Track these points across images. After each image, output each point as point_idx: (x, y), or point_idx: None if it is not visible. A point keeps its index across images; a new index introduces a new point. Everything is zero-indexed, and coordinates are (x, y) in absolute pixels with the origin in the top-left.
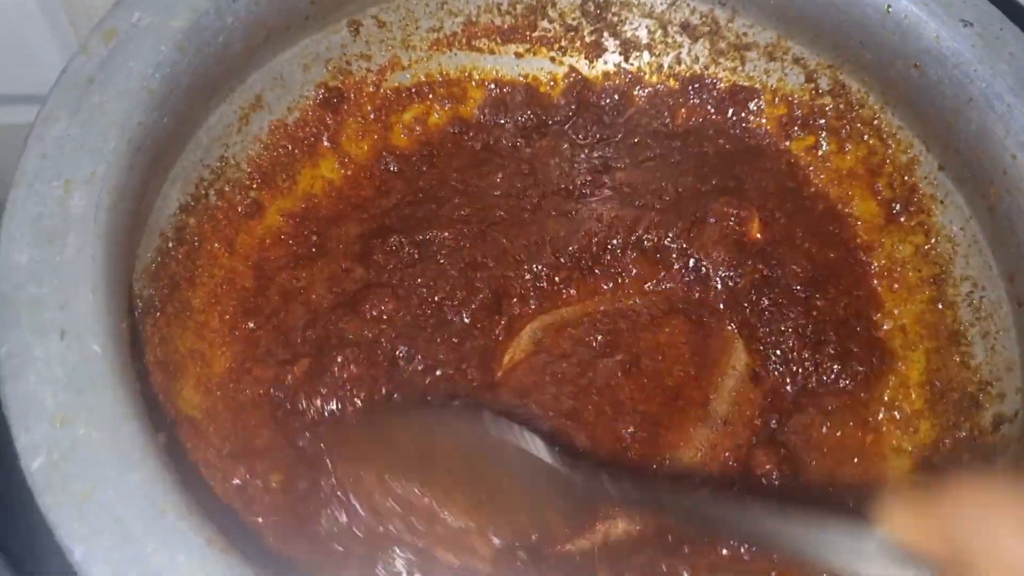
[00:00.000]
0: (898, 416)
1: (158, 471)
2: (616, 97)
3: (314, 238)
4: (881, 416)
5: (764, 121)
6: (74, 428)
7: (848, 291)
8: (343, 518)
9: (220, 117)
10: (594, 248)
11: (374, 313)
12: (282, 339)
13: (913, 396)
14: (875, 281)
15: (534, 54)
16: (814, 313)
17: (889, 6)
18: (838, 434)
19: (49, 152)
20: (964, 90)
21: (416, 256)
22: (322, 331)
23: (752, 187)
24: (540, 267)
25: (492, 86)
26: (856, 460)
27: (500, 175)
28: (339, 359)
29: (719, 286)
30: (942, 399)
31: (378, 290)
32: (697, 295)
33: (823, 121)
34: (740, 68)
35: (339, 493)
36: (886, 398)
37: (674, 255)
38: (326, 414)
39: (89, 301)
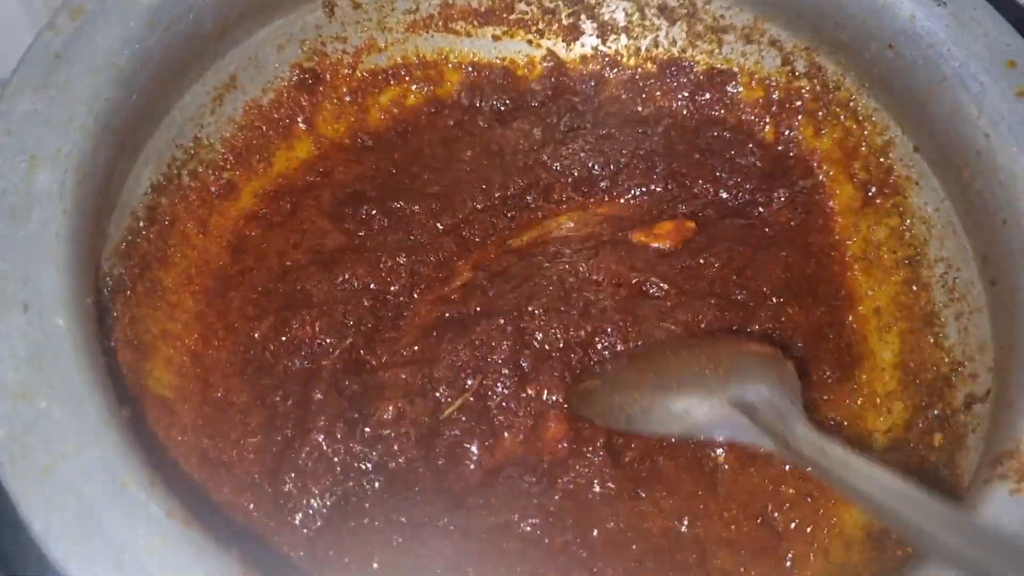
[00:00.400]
0: (874, 399)
1: (120, 446)
2: (592, 83)
3: (288, 206)
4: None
5: (742, 104)
6: (36, 403)
7: (823, 300)
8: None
9: (193, 97)
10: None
11: (345, 275)
12: (252, 298)
13: (887, 378)
14: (850, 270)
15: (511, 36)
16: (783, 319)
17: None
18: None
19: (14, 128)
20: (938, 70)
21: (386, 224)
22: (291, 289)
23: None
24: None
25: (469, 68)
26: None
27: (469, 153)
28: (305, 316)
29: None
30: (915, 380)
31: (350, 255)
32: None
33: (799, 104)
34: (717, 51)
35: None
36: (863, 378)
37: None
38: (295, 368)
39: (53, 277)
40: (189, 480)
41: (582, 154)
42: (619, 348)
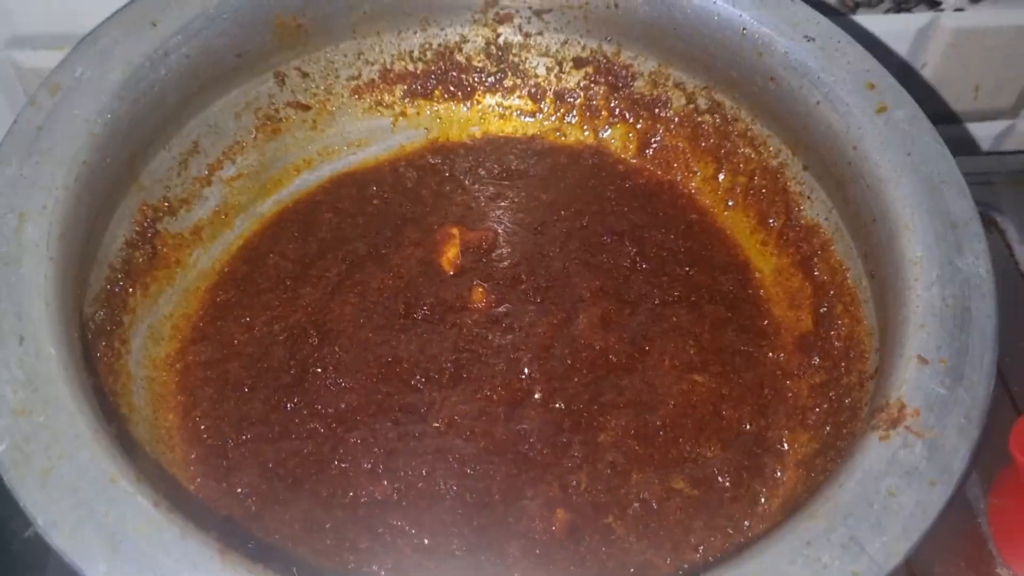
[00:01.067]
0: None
1: (109, 449)
2: (519, 138)
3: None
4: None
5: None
6: (34, 418)
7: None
8: None
9: (161, 161)
10: None
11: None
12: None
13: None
14: (760, 290)
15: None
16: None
17: (744, 29)
18: None
19: (4, 190)
20: (812, 95)
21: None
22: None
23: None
24: None
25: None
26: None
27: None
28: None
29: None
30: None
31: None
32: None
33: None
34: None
35: None
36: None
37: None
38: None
39: (43, 312)
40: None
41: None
42: None
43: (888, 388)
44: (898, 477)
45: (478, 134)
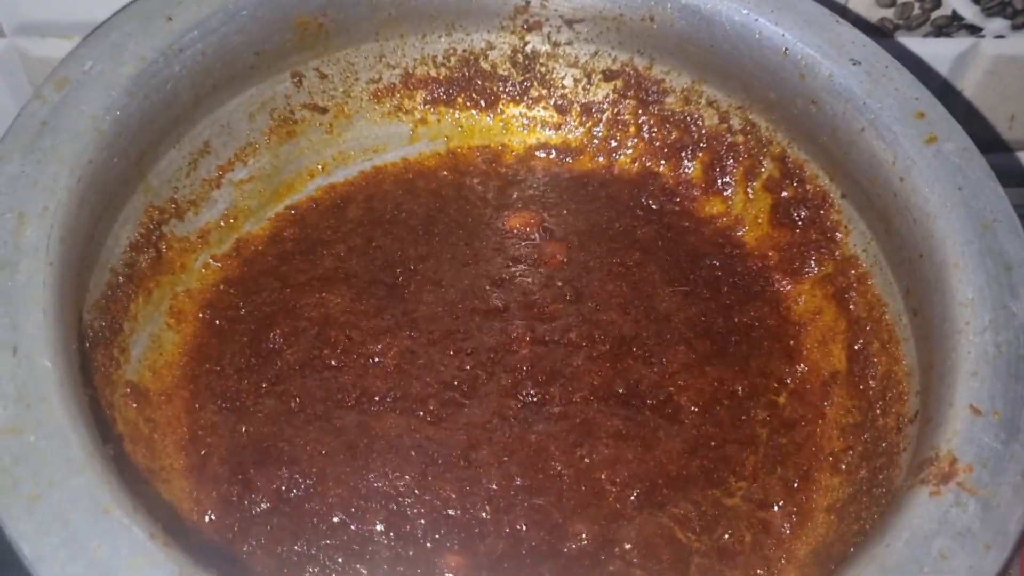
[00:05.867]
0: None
1: (104, 474)
2: (542, 153)
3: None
4: None
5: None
6: (24, 437)
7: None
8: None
9: (170, 162)
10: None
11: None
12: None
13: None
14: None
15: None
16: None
17: (786, 49)
18: None
19: (3, 188)
20: (856, 122)
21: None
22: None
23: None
24: None
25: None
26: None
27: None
28: None
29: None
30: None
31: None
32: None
33: (733, 163)
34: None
35: None
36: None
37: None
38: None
39: (40, 322)
40: (168, 506)
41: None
42: None
43: (937, 439)
44: (950, 538)
45: (500, 145)
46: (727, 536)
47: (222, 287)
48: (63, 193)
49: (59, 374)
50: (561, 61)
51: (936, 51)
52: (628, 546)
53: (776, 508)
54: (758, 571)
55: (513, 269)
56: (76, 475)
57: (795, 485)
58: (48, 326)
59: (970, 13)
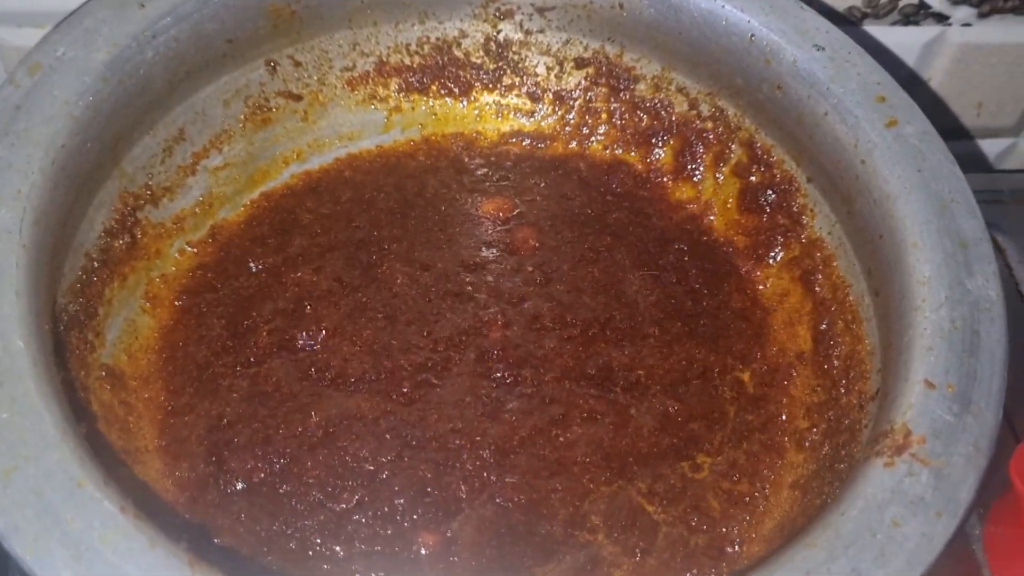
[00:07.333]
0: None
1: (76, 450)
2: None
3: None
4: None
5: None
6: None
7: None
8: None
9: (144, 148)
10: None
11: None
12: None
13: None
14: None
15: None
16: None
17: (752, 35)
18: None
19: None
20: (820, 106)
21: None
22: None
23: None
24: None
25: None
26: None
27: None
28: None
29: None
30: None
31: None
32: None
33: (702, 149)
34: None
35: None
36: None
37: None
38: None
39: (13, 302)
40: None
41: None
42: None
43: (893, 413)
44: (903, 506)
45: (474, 132)
46: (694, 508)
47: (198, 272)
48: (37, 176)
49: (32, 354)
50: (533, 49)
51: (903, 39)
52: (597, 519)
53: (742, 482)
54: (724, 544)
55: (486, 253)
56: (50, 450)
57: (761, 461)
58: (22, 307)
59: (937, 2)
